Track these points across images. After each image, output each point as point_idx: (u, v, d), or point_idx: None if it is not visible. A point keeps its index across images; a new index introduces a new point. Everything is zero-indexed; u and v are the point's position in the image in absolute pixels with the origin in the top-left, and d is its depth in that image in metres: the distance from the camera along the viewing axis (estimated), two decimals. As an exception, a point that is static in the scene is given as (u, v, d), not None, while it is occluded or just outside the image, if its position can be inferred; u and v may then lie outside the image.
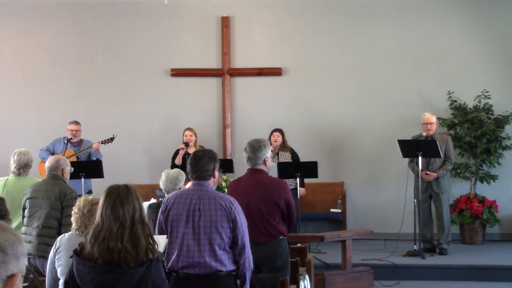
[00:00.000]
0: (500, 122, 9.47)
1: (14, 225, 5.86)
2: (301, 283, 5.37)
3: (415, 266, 8.05)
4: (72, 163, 6.56)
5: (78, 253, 3.19)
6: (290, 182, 8.33)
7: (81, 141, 8.91)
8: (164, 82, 10.24)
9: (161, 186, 5.80)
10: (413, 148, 8.38)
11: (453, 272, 7.94)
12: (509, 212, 9.65)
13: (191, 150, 8.95)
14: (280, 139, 9.04)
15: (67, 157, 7.15)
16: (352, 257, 7.69)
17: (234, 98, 10.23)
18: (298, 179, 8.42)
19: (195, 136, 9.11)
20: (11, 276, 1.78)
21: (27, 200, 5.71)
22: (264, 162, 5.17)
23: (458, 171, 9.44)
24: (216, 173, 4.35)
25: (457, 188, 9.51)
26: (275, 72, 10.12)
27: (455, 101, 9.67)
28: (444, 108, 9.73)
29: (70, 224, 4.34)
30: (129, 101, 10.26)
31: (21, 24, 10.28)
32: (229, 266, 4.17)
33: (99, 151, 8.79)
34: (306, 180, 9.06)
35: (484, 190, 9.49)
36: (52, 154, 8.61)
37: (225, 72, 10.16)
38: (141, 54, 10.27)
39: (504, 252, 8.72)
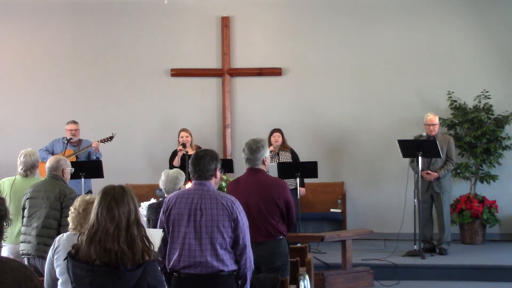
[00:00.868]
0: (500, 122, 9.47)
1: (19, 227, 5.85)
2: (301, 283, 5.37)
3: (415, 266, 8.05)
4: (72, 163, 6.56)
5: (73, 256, 3.17)
6: (290, 182, 8.34)
7: (80, 141, 8.91)
8: (164, 82, 10.25)
9: (161, 186, 5.80)
10: (413, 148, 8.38)
11: (453, 272, 7.94)
12: (509, 212, 9.65)
13: (189, 150, 8.95)
14: (280, 139, 9.05)
15: (66, 157, 7.16)
16: (352, 257, 7.69)
17: (234, 98, 10.23)
18: (298, 179, 8.42)
19: (191, 136, 9.11)
20: None
21: (27, 200, 5.70)
22: (263, 162, 5.17)
23: (458, 171, 9.44)
24: (218, 173, 4.34)
25: (457, 188, 9.51)
26: (275, 72, 10.12)
27: (455, 101, 9.67)
28: (444, 108, 9.73)
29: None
30: (129, 101, 10.26)
31: (21, 24, 10.28)
32: (230, 266, 4.16)
33: (98, 150, 8.79)
34: (306, 180, 9.07)
35: (484, 190, 9.49)
36: (52, 154, 8.61)
37: (225, 72, 10.17)
38: (141, 54, 10.27)
39: (504, 252, 8.72)
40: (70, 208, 4.29)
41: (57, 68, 10.28)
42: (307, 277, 5.48)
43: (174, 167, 8.71)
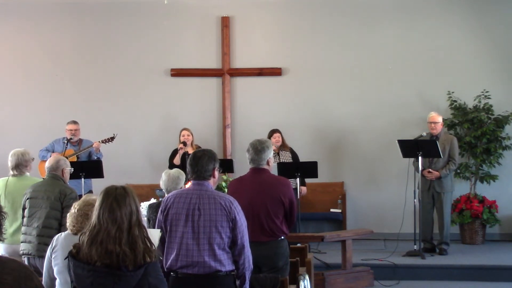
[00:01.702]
0: (500, 122, 9.47)
1: (14, 226, 5.87)
2: (301, 283, 5.37)
3: (415, 266, 8.06)
4: (72, 163, 6.56)
5: (74, 256, 3.16)
6: (290, 182, 8.34)
7: (80, 140, 8.91)
8: (164, 82, 10.24)
9: (162, 186, 5.80)
10: (413, 148, 8.38)
11: (453, 272, 7.95)
12: (509, 212, 9.65)
13: (189, 150, 8.96)
14: (280, 139, 9.07)
15: (67, 157, 7.16)
16: (352, 257, 7.69)
17: (234, 98, 10.23)
18: (298, 179, 8.42)
19: (192, 136, 9.13)
20: None
21: (27, 200, 5.71)
22: (267, 163, 5.19)
23: (458, 171, 9.44)
24: (216, 173, 4.35)
25: (457, 188, 9.49)
26: (275, 72, 10.12)
27: (455, 101, 9.67)
28: (444, 108, 9.73)
29: (70, 224, 4.34)
30: (129, 101, 10.26)
31: (21, 24, 10.28)
32: (228, 266, 4.16)
33: (99, 150, 8.79)
34: (306, 180, 9.08)
35: (484, 190, 9.49)
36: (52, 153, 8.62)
37: (225, 72, 10.16)
38: (141, 54, 10.27)
39: (504, 252, 8.73)
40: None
41: (57, 68, 10.28)
42: (307, 277, 5.49)
43: (174, 165, 8.72)
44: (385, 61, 10.02)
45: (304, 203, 9.42)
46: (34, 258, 5.52)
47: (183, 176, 5.79)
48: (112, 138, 8.86)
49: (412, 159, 8.71)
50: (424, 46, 9.96)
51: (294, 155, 9.11)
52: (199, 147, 9.22)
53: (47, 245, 4.38)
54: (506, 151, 9.53)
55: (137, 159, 10.20)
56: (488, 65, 9.88)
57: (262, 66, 10.14)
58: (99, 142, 8.75)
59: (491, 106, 9.52)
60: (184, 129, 9.18)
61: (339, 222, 9.92)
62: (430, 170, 8.50)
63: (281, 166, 8.43)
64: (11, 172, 6.14)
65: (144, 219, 5.64)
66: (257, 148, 5.15)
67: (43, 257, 5.15)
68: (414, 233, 8.60)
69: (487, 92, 9.50)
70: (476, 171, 9.54)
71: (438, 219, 8.68)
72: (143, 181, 9.71)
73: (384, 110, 9.95)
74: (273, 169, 7.85)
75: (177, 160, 8.96)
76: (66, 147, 8.62)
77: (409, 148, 8.43)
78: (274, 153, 8.82)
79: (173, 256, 4.14)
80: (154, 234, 3.97)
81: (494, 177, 9.48)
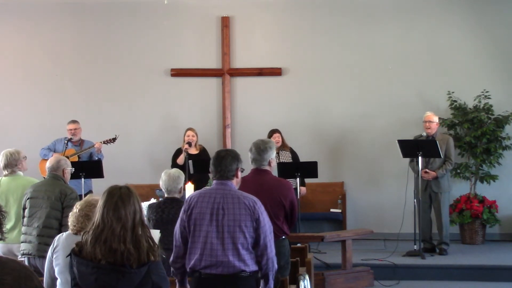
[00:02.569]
0: (500, 122, 9.47)
1: (9, 226, 5.87)
2: (301, 283, 5.37)
3: (415, 266, 8.06)
4: (73, 163, 6.56)
5: (77, 253, 3.17)
6: (290, 182, 8.33)
7: (82, 140, 8.91)
8: (164, 82, 10.24)
9: (162, 186, 5.79)
10: (413, 148, 8.38)
11: (453, 272, 7.95)
12: (509, 212, 9.65)
13: (192, 151, 8.95)
14: (280, 139, 9.06)
15: (68, 157, 7.17)
16: (352, 257, 7.69)
17: (234, 98, 10.23)
18: (298, 179, 8.42)
19: (197, 136, 9.12)
20: None
21: (28, 200, 5.71)
22: (269, 163, 5.20)
23: (458, 171, 9.45)
24: (239, 173, 4.35)
25: (457, 188, 9.51)
26: (275, 72, 10.12)
27: (455, 101, 9.67)
28: (444, 108, 9.73)
29: (71, 224, 4.34)
30: (129, 101, 10.26)
31: (21, 24, 10.29)
32: (252, 267, 4.15)
33: (101, 151, 8.79)
34: (306, 180, 9.08)
35: (484, 190, 9.49)
36: (53, 153, 8.61)
37: (225, 72, 10.17)
38: (141, 54, 10.27)
39: (504, 252, 8.73)
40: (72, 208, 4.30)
41: (57, 68, 10.28)
42: (307, 277, 5.49)
43: (177, 165, 8.72)
44: (385, 61, 10.02)
45: (304, 203, 9.42)
46: (34, 258, 5.52)
47: (183, 176, 5.79)
48: (114, 139, 8.86)
49: (408, 160, 8.72)
50: (424, 46, 9.96)
51: (294, 155, 9.11)
52: (203, 147, 9.22)
53: (48, 245, 4.38)
54: (506, 151, 9.53)
55: (137, 159, 10.20)
56: (488, 65, 9.88)
57: (262, 66, 10.14)
58: (101, 142, 8.75)
59: (491, 106, 9.52)
60: (189, 129, 9.16)
61: (339, 222, 9.92)
62: (427, 170, 8.51)
63: (281, 166, 8.43)
64: (4, 172, 6.15)
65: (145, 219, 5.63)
66: (260, 148, 5.16)
67: (43, 257, 5.15)
68: (414, 233, 8.60)
69: (487, 92, 9.50)
70: (476, 171, 9.54)
71: (437, 219, 8.68)
72: (143, 181, 9.71)
73: (384, 110, 9.95)
74: (273, 170, 7.90)
75: (181, 159, 8.95)
76: (66, 147, 8.62)
77: (409, 148, 8.43)
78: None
79: (197, 256, 4.12)
80: (154, 235, 3.97)
81: (494, 177, 9.48)
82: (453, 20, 9.97)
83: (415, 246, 8.49)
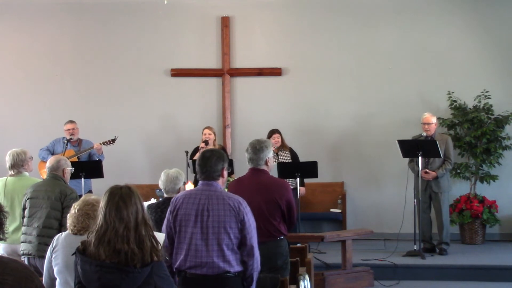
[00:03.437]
0: (500, 122, 9.47)
1: (13, 226, 5.86)
2: (301, 283, 5.37)
3: (415, 266, 8.06)
4: (72, 163, 6.56)
5: (81, 252, 3.18)
6: (290, 182, 8.33)
7: (80, 140, 8.90)
8: (164, 82, 10.24)
9: (161, 186, 5.79)
10: (413, 148, 8.38)
11: (453, 272, 7.95)
12: (509, 212, 9.65)
13: None
14: (280, 140, 9.05)
15: (68, 158, 7.16)
16: (352, 257, 7.69)
17: (234, 98, 10.23)
18: (298, 179, 8.42)
19: (214, 134, 9.04)
20: None
21: (27, 200, 5.71)
22: (266, 163, 5.19)
23: (458, 171, 9.45)
24: (225, 172, 4.36)
25: (457, 188, 9.51)
26: (275, 72, 10.12)
27: (455, 101, 9.67)
28: (444, 108, 9.74)
29: (70, 224, 4.33)
30: (129, 101, 10.26)
31: (21, 24, 10.28)
32: (236, 267, 4.16)
33: (102, 152, 8.78)
34: (306, 180, 9.08)
35: (484, 190, 9.49)
36: (52, 154, 8.61)
37: (225, 72, 10.17)
38: (141, 54, 10.27)
39: (504, 252, 8.73)
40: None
41: (57, 68, 10.28)
42: (307, 277, 5.49)
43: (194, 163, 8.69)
44: (385, 61, 10.03)
45: (304, 203, 9.43)
46: (34, 258, 5.52)
47: (182, 176, 5.79)
48: (113, 140, 8.86)
49: (407, 160, 8.72)
50: (424, 46, 9.96)
51: (293, 155, 9.09)
52: (222, 147, 9.18)
53: (47, 245, 4.39)
54: (506, 151, 9.53)
55: (137, 159, 10.20)
56: (488, 65, 9.88)
57: (262, 66, 10.14)
58: (100, 143, 8.74)
59: (491, 106, 9.52)
60: (206, 127, 9.08)
61: (339, 222, 9.92)
62: (427, 170, 8.51)
63: (281, 166, 8.43)
64: (10, 172, 6.14)
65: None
66: (256, 147, 5.16)
67: (43, 257, 5.15)
68: (414, 233, 8.59)
69: (487, 92, 9.50)
70: (476, 171, 9.54)
71: (437, 220, 8.68)
72: (143, 181, 9.71)
73: (384, 110, 9.96)
74: (273, 169, 7.89)
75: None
76: (66, 148, 8.61)
77: (409, 148, 8.43)
78: (273, 154, 8.87)
79: (182, 256, 4.15)
80: (160, 238, 3.98)
81: (494, 177, 9.48)
82: (453, 20, 9.97)
83: (415, 246, 8.49)
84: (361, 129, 10.01)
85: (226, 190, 7.00)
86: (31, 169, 6.24)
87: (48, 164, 5.84)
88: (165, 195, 5.71)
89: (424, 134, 8.57)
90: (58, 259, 4.16)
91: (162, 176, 5.75)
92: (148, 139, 10.24)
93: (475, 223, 9.28)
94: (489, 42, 9.91)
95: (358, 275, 7.69)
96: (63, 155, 8.02)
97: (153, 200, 7.37)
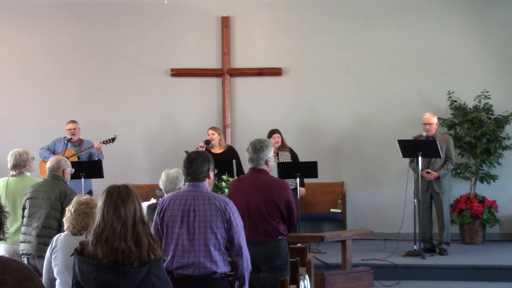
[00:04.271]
0: (500, 122, 9.47)
1: (15, 227, 5.86)
2: (301, 283, 5.37)
3: (415, 266, 8.06)
4: (72, 163, 6.56)
5: (79, 252, 3.18)
6: (290, 182, 8.33)
7: (81, 140, 8.91)
8: (164, 82, 10.25)
9: (161, 186, 5.80)
10: (413, 148, 8.38)
11: (453, 272, 7.95)
12: (509, 212, 9.65)
13: (216, 150, 8.83)
14: (280, 140, 9.04)
15: (68, 157, 7.16)
16: (352, 257, 7.69)
17: (234, 98, 10.23)
18: (298, 179, 8.42)
19: (219, 135, 9.00)
20: None
21: (27, 200, 5.70)
22: (266, 163, 5.19)
23: (458, 171, 9.45)
24: (211, 173, 4.38)
25: (457, 188, 9.51)
26: (275, 72, 10.12)
27: (455, 101, 9.67)
28: (444, 108, 9.74)
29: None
30: (129, 101, 10.26)
31: (21, 24, 10.28)
32: (223, 268, 4.18)
33: (101, 151, 8.78)
34: (306, 180, 9.08)
35: (484, 190, 9.49)
36: (53, 153, 8.62)
37: (225, 72, 10.17)
38: (141, 54, 10.27)
39: (504, 252, 8.73)
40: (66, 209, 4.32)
41: (57, 68, 10.28)
42: (307, 277, 5.48)
43: None
44: (385, 61, 10.03)
45: (304, 203, 9.43)
46: (33, 258, 5.51)
47: (182, 176, 5.78)
48: (113, 139, 8.86)
49: (408, 160, 8.72)
50: (424, 46, 9.96)
51: (293, 155, 9.08)
52: (230, 147, 9.15)
53: (47, 245, 4.39)
54: (506, 151, 9.53)
55: (137, 159, 10.21)
56: (488, 65, 9.89)
57: (262, 66, 10.14)
58: (100, 143, 8.74)
59: (491, 106, 9.52)
60: (211, 128, 9.07)
61: (339, 222, 9.92)
62: (428, 170, 8.51)
63: (281, 166, 8.43)
64: (11, 172, 6.14)
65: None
66: (256, 147, 5.16)
67: (42, 257, 5.15)
68: (414, 233, 8.59)
69: (487, 92, 9.51)
70: (476, 171, 9.54)
71: (438, 220, 8.68)
72: (143, 181, 9.71)
73: (384, 110, 9.96)
74: (273, 169, 7.90)
75: None
76: (66, 147, 8.62)
77: (409, 148, 8.43)
78: (273, 154, 8.87)
79: (169, 257, 4.16)
80: None
81: (494, 177, 9.48)
82: (453, 20, 9.97)
83: (415, 246, 8.49)
84: (361, 129, 10.01)
85: (226, 190, 7.01)
86: (32, 170, 6.24)
87: (48, 164, 5.84)
88: (165, 195, 5.71)
89: (425, 134, 8.57)
90: (57, 259, 4.17)
91: (163, 176, 5.76)
92: (148, 139, 10.24)
93: (475, 223, 9.28)
94: (489, 42, 9.91)
95: (358, 275, 7.69)
96: (63, 155, 8.02)
97: (153, 200, 7.38)
